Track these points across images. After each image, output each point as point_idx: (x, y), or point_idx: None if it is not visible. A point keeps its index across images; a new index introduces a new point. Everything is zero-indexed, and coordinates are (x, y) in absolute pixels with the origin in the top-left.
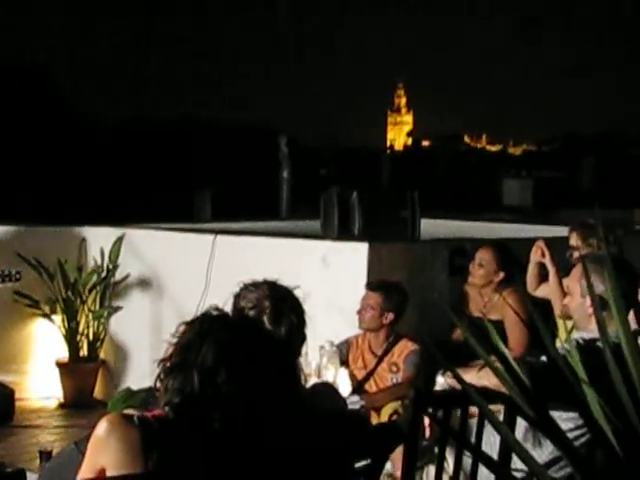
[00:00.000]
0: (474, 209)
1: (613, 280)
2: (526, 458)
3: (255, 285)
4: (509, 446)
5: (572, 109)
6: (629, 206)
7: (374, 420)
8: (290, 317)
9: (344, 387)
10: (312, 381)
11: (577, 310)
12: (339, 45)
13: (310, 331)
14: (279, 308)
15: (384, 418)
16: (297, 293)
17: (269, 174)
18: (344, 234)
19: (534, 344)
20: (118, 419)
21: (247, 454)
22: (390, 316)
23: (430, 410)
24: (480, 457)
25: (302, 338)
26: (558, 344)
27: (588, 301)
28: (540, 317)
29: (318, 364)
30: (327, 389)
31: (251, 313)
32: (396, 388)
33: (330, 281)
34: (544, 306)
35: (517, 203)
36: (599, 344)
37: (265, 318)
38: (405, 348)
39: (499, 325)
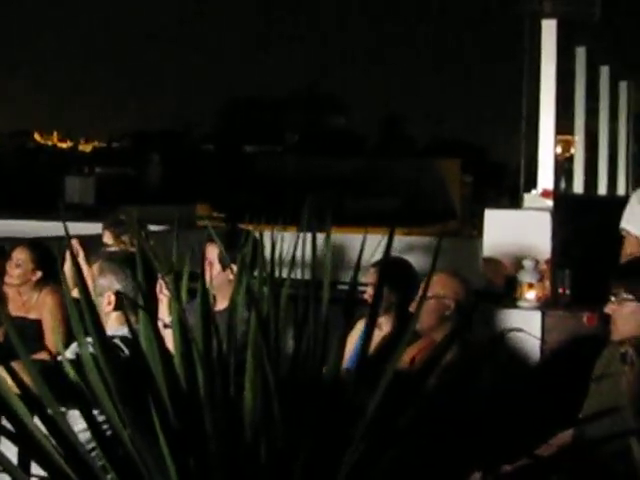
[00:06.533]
0: (38, 206)
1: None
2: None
3: None
4: None
5: (136, 107)
6: (192, 202)
7: None
8: None
9: None
10: None
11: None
12: None
13: None
14: None
15: None
16: None
17: None
18: None
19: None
20: None
21: None
22: None
23: None
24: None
25: None
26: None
27: (106, 299)
28: (74, 317)
29: None
30: None
31: None
32: None
33: None
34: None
35: (78, 200)
36: (116, 341)
37: None
38: None
39: (39, 324)
